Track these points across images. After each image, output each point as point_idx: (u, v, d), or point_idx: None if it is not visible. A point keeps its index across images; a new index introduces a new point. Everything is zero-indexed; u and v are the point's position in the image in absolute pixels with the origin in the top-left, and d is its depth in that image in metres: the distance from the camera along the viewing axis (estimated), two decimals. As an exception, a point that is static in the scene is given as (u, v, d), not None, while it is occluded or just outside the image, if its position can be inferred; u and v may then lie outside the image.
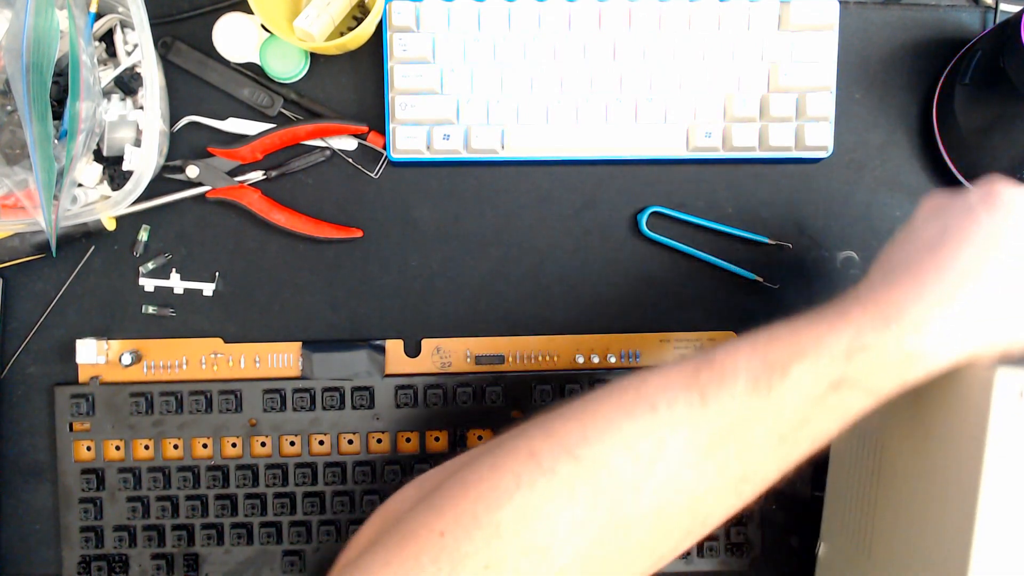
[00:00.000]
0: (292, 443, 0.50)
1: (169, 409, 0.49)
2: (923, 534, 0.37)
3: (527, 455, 0.31)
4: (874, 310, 0.31)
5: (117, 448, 0.49)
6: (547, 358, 0.51)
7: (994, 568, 0.32)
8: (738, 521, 0.51)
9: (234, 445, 0.49)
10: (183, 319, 0.50)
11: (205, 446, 0.49)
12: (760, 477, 0.32)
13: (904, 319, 0.30)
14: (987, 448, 0.32)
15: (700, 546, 0.50)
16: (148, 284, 0.50)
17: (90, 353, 0.48)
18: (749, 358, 0.31)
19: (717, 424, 0.30)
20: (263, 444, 0.50)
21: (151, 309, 0.50)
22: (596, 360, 0.51)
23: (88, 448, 0.49)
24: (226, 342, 0.50)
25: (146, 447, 0.49)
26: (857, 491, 0.44)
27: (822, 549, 0.48)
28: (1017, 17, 0.44)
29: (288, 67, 0.49)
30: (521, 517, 0.29)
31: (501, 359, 0.51)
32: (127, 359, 0.49)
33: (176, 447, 0.49)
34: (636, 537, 0.31)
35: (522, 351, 0.51)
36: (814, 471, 0.52)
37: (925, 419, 0.37)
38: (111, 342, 0.50)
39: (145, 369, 0.50)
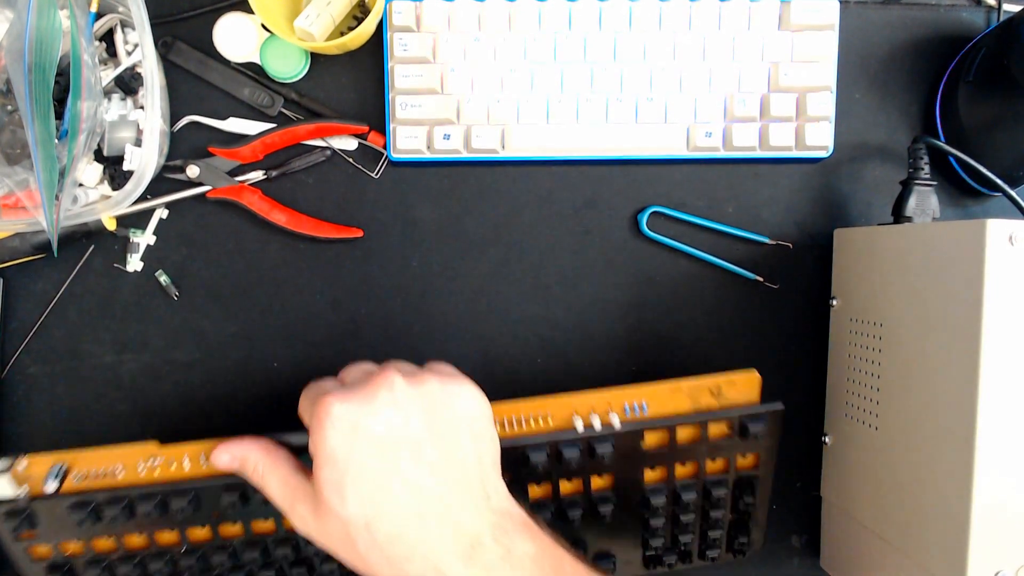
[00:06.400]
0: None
1: (120, 516, 0.42)
2: (929, 393, 0.40)
3: None
4: None
5: (76, 544, 0.43)
6: (539, 422, 0.44)
7: (1001, 404, 0.36)
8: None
9: (204, 526, 0.43)
10: (184, 318, 0.50)
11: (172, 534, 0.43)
12: None
13: None
14: (985, 291, 0.36)
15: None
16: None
17: (5, 490, 0.41)
18: None
19: None
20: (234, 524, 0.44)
21: (164, 279, 0.50)
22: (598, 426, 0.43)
23: (45, 548, 0.43)
24: (162, 443, 0.42)
25: (108, 539, 0.43)
26: (859, 372, 0.46)
27: (828, 440, 0.50)
28: (1022, 15, 0.44)
29: (288, 67, 0.49)
30: None
31: None
32: (51, 485, 0.41)
33: (140, 536, 0.43)
34: None
35: (512, 417, 0.43)
36: (814, 471, 0.52)
37: (922, 284, 0.41)
38: (24, 460, 0.41)
39: (76, 481, 0.42)
